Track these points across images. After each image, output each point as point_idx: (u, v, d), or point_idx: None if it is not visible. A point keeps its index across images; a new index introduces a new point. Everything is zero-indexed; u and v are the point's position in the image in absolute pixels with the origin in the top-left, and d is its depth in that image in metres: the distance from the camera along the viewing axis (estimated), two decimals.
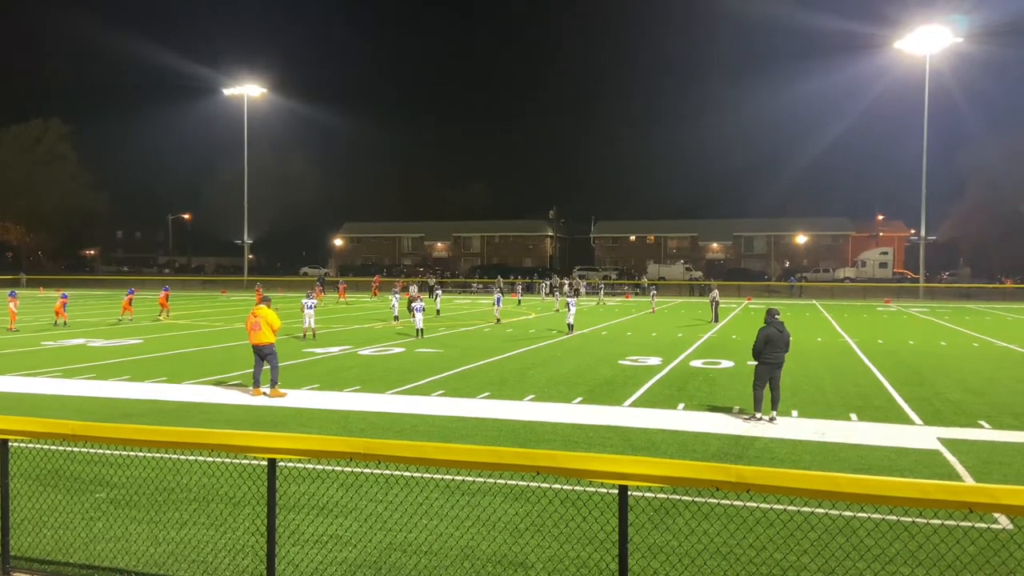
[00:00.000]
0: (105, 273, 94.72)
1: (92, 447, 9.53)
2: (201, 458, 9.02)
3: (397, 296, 32.38)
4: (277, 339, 14.35)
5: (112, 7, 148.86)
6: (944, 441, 10.55)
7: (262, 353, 13.98)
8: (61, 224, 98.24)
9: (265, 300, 14.86)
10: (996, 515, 7.07)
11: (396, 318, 31.22)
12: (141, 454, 8.60)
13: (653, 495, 7.68)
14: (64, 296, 30.83)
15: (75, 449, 9.67)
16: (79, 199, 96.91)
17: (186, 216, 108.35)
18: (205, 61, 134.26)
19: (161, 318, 32.39)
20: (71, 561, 6.39)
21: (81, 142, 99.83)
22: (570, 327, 27.11)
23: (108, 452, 9.36)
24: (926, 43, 56.50)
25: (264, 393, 13.92)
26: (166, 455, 8.32)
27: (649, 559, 6.38)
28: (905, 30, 57.41)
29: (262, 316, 13.92)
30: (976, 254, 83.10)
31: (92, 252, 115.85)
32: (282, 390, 14.00)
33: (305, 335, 24.25)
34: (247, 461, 8.88)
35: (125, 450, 8.97)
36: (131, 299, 31.84)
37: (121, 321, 30.79)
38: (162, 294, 33.98)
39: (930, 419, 12.07)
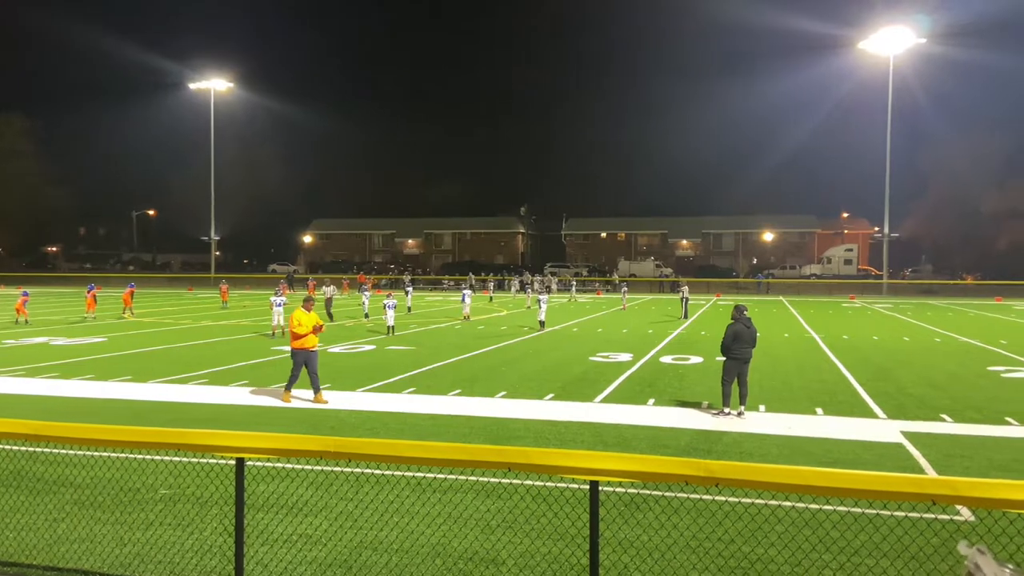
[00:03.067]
0: (67, 270, 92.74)
1: (55, 447, 9.34)
2: (168, 458, 8.89)
3: (367, 294, 32.28)
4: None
5: (74, 1, 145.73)
6: (907, 434, 10.75)
7: None
8: (22, 221, 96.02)
9: (306, 301, 13.61)
10: (958, 507, 7.22)
11: (366, 315, 31.11)
12: (106, 454, 8.45)
13: (624, 490, 7.73)
14: (25, 294, 30.19)
15: (37, 449, 9.47)
16: (40, 196, 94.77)
17: (151, 212, 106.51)
18: (171, 55, 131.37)
19: (125, 316, 31.85)
20: (34, 563, 6.26)
21: (43, 138, 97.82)
22: (541, 324, 27.17)
23: (71, 452, 9.17)
24: (890, 44, 57.62)
25: (325, 401, 13.26)
26: (132, 455, 8.18)
27: (620, 553, 6.42)
28: (869, 31, 58.49)
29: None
30: (938, 251, 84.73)
31: (54, 249, 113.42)
32: (294, 393, 13.55)
33: (274, 332, 23.99)
34: (215, 460, 8.76)
35: (89, 450, 8.80)
36: (95, 295, 31.26)
37: (85, 319, 30.22)
38: (126, 291, 33.41)
39: (893, 413, 12.30)
